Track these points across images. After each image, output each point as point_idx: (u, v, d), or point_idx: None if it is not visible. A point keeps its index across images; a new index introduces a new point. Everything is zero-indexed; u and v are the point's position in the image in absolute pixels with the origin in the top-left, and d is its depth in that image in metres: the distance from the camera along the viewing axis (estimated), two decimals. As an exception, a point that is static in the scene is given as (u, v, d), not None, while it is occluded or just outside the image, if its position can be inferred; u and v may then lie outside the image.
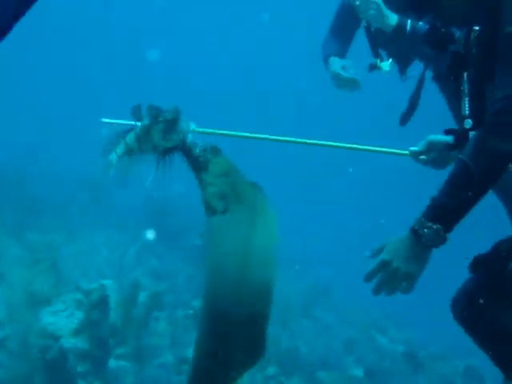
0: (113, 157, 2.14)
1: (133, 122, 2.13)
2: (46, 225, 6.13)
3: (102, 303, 4.42)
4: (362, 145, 2.48)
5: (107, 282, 4.46)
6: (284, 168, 13.83)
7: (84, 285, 4.58)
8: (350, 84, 3.21)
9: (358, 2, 2.99)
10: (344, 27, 3.39)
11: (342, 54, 3.41)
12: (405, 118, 3.15)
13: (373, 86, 3.28)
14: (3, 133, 9.76)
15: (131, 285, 4.69)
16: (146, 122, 2.11)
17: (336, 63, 3.24)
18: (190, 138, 2.12)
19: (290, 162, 14.01)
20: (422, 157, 2.47)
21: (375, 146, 2.48)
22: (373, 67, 3.13)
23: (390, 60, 3.09)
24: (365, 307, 7.77)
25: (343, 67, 3.22)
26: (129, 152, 2.13)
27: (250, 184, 2.04)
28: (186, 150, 2.10)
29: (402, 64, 3.16)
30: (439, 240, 1.86)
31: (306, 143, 2.44)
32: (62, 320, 4.40)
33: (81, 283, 4.62)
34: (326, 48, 3.41)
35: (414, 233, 1.88)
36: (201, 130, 2.18)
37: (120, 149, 2.14)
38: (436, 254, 1.93)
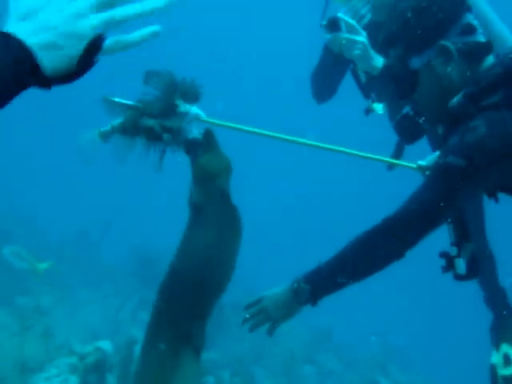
0: (106, 128, 2.04)
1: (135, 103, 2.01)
2: (32, 286, 5.91)
3: (99, 366, 4.18)
4: (369, 153, 2.36)
5: (102, 344, 4.23)
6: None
7: (78, 348, 4.34)
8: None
9: (343, 41, 2.87)
10: (331, 67, 3.29)
11: (330, 94, 3.34)
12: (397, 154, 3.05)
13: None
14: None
15: (127, 342, 4.47)
16: (151, 97, 2.00)
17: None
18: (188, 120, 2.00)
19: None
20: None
21: (384, 156, 2.42)
22: (368, 111, 3.04)
23: (381, 104, 3.00)
24: (366, 346, 7.66)
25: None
26: (124, 128, 2.01)
27: (224, 197, 2.01)
28: (180, 133, 1.99)
29: (393, 106, 3.07)
30: (308, 301, 2.02)
31: (318, 146, 2.31)
32: (56, 386, 4.14)
33: (74, 346, 4.39)
34: (315, 85, 3.33)
35: (291, 287, 2.05)
36: (208, 119, 2.05)
37: (116, 122, 2.03)
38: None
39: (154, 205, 12.08)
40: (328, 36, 2.89)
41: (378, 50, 2.86)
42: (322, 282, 1.99)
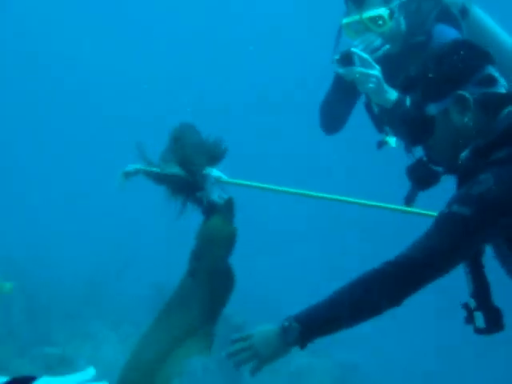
0: (130, 168, 2.17)
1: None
2: (57, 335, 5.87)
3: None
4: (384, 203, 2.38)
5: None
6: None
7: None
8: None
9: (357, 75, 2.88)
10: (343, 96, 3.24)
11: (340, 126, 3.32)
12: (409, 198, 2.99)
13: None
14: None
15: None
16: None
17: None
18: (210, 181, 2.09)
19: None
20: None
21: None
22: (381, 144, 3.03)
23: (395, 138, 2.99)
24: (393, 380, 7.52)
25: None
26: (147, 170, 2.14)
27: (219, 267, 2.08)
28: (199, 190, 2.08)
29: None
30: (297, 342, 1.95)
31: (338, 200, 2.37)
32: None
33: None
34: (324, 116, 3.30)
35: (282, 326, 1.98)
36: (229, 180, 2.15)
37: (140, 164, 2.16)
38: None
39: (172, 240, 12.06)
40: (341, 70, 2.91)
41: (391, 84, 2.87)
42: (313, 323, 1.93)
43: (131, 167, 2.19)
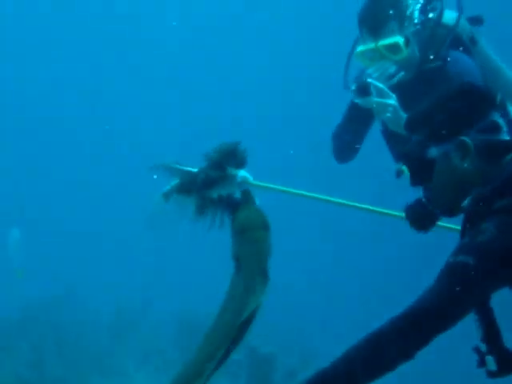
0: (166, 189, 2.17)
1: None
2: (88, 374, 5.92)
3: None
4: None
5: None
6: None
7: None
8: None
9: (374, 105, 2.93)
10: (357, 124, 3.27)
11: (352, 154, 3.34)
12: None
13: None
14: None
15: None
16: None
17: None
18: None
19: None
20: None
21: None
22: (399, 173, 3.03)
23: None
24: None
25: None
26: (181, 189, 2.14)
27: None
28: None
29: None
30: None
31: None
32: None
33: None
34: (337, 145, 3.33)
35: None
36: (256, 183, 2.18)
37: (174, 183, 2.16)
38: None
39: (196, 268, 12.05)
40: (359, 100, 2.98)
41: (406, 110, 2.89)
42: None
43: (168, 186, 2.19)
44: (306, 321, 9.25)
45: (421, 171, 2.06)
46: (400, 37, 3.00)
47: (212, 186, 2.11)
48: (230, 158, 2.13)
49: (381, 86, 2.95)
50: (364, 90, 2.95)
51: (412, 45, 3.05)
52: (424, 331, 1.79)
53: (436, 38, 3.12)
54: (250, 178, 2.17)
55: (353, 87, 3.02)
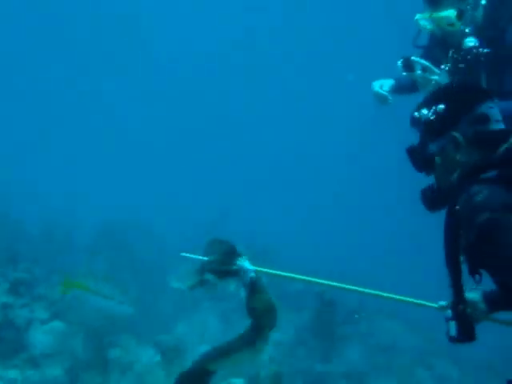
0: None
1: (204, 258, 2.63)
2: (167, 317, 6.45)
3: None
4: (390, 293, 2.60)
5: (237, 381, 4.60)
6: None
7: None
8: (378, 99, 3.61)
9: (419, 79, 3.28)
10: (407, 91, 3.70)
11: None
12: None
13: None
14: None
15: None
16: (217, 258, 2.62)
17: (377, 82, 3.67)
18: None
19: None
20: None
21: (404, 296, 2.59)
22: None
23: None
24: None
25: (381, 85, 3.64)
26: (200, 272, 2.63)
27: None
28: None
29: None
30: None
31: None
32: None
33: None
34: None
35: None
36: (258, 268, 2.59)
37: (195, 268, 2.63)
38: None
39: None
40: (404, 74, 3.37)
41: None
42: None
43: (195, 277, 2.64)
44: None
45: (422, 166, 2.28)
46: (453, 10, 3.23)
47: (224, 276, 2.59)
48: (231, 256, 2.59)
49: (426, 63, 3.30)
50: (408, 65, 3.33)
51: (470, 15, 3.25)
52: None
53: (501, 9, 3.29)
54: (252, 267, 2.57)
55: (399, 62, 3.39)
